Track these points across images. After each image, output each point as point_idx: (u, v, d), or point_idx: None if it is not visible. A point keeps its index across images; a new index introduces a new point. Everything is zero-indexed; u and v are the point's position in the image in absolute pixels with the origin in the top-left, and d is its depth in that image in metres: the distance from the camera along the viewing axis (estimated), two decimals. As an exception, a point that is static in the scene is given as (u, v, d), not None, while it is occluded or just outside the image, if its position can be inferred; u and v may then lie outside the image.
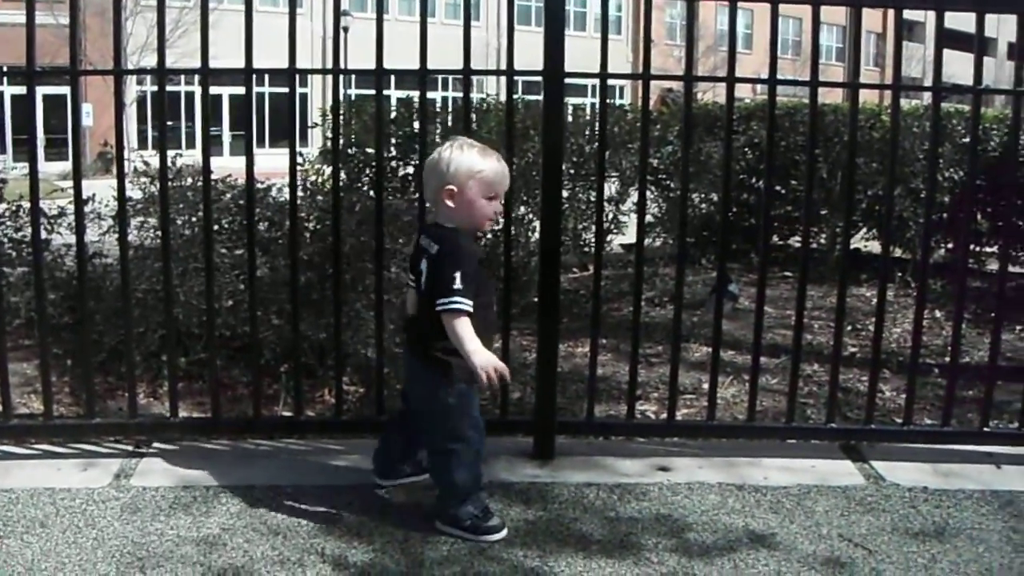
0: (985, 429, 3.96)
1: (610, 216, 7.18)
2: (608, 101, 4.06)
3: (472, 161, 3.08)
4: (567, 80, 3.67)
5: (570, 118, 7.44)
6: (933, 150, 3.99)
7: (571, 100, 6.89)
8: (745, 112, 8.39)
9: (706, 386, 3.98)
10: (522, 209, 6.36)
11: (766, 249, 4.02)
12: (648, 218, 7.30)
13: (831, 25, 37.81)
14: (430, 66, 3.69)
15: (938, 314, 6.51)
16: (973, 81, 3.84)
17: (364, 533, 3.11)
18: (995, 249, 7.90)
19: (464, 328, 2.98)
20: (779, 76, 3.73)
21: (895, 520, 3.32)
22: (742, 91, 3.90)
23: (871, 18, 38.31)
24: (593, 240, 7.09)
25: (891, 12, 3.82)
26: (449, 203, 3.09)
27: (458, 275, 2.99)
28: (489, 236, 6.26)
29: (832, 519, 3.31)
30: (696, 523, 3.24)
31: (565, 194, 6.73)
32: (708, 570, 2.93)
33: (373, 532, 3.12)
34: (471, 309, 2.99)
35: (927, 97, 4.49)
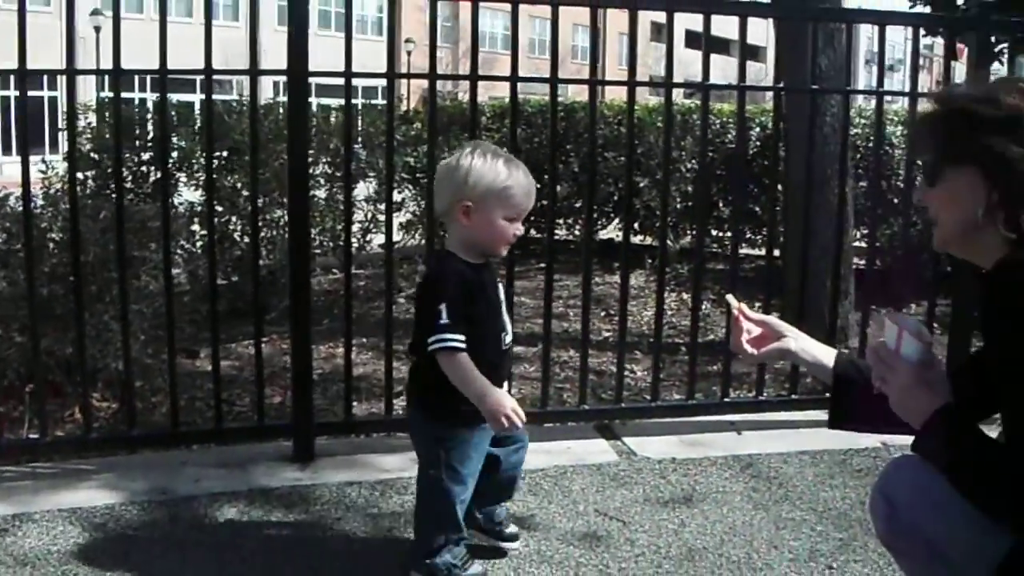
0: (726, 399, 4.25)
1: (369, 215, 7.19)
2: (370, 101, 4.05)
3: (496, 174, 2.63)
4: (327, 81, 3.67)
5: (334, 118, 7.41)
6: (667, 142, 4.20)
7: (333, 101, 6.86)
8: (500, 110, 8.57)
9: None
10: (278, 212, 6.29)
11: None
12: (408, 216, 7.36)
13: (584, 26, 38.99)
14: (182, 66, 3.58)
15: (685, 296, 6.86)
16: (702, 78, 4.07)
17: (119, 554, 2.98)
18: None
19: (461, 368, 2.60)
20: (534, 75, 3.82)
21: (647, 491, 3.50)
22: (501, 89, 3.98)
23: (621, 19, 39.73)
24: (352, 240, 7.13)
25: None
26: (463, 220, 2.65)
27: (444, 307, 2.59)
28: (246, 240, 6.16)
29: (588, 496, 3.44)
30: (458, 511, 3.30)
31: (323, 194, 6.70)
32: (470, 556, 3.00)
33: (129, 551, 2.99)
34: (463, 345, 2.61)
35: (678, 93, 4.78)
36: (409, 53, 33.65)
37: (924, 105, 2.06)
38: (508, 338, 2.87)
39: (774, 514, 3.35)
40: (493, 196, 2.65)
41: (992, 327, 1.91)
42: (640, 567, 2.96)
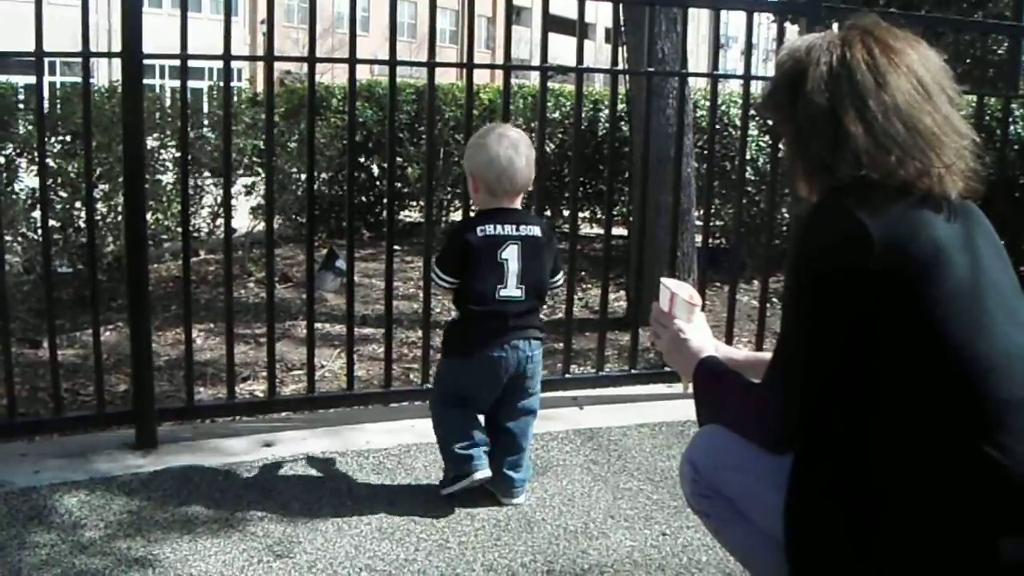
0: (568, 375, 4.32)
1: (217, 200, 7.09)
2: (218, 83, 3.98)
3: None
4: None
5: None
6: (541, 125, 4.30)
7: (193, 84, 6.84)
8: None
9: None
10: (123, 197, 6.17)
11: (351, 226, 4.16)
12: (258, 200, 7.30)
13: (444, 9, 38.93)
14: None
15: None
16: (576, 61, 4.17)
17: (-50, 544, 2.90)
18: (588, 214, 8.61)
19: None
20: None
21: (488, 467, 3.56)
22: (359, 72, 4.00)
23: (482, 3, 39.87)
24: (202, 225, 7.04)
25: (502, -1, 4.10)
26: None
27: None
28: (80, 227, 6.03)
29: (431, 472, 3.49)
30: (300, 493, 3.32)
31: (171, 179, 6.60)
32: (312, 535, 3.03)
33: (-38, 542, 2.92)
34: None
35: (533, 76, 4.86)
36: (264, 34, 33.15)
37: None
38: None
39: (612, 484, 3.46)
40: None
41: None
42: (479, 540, 3.04)
